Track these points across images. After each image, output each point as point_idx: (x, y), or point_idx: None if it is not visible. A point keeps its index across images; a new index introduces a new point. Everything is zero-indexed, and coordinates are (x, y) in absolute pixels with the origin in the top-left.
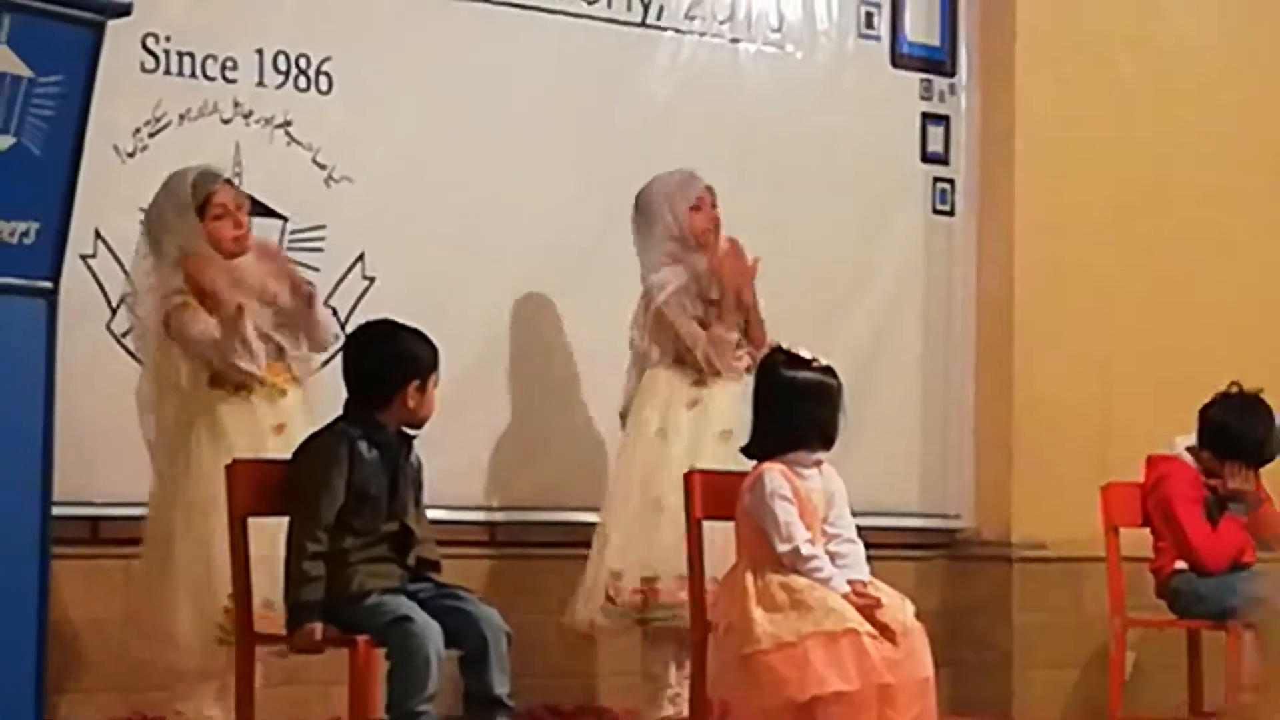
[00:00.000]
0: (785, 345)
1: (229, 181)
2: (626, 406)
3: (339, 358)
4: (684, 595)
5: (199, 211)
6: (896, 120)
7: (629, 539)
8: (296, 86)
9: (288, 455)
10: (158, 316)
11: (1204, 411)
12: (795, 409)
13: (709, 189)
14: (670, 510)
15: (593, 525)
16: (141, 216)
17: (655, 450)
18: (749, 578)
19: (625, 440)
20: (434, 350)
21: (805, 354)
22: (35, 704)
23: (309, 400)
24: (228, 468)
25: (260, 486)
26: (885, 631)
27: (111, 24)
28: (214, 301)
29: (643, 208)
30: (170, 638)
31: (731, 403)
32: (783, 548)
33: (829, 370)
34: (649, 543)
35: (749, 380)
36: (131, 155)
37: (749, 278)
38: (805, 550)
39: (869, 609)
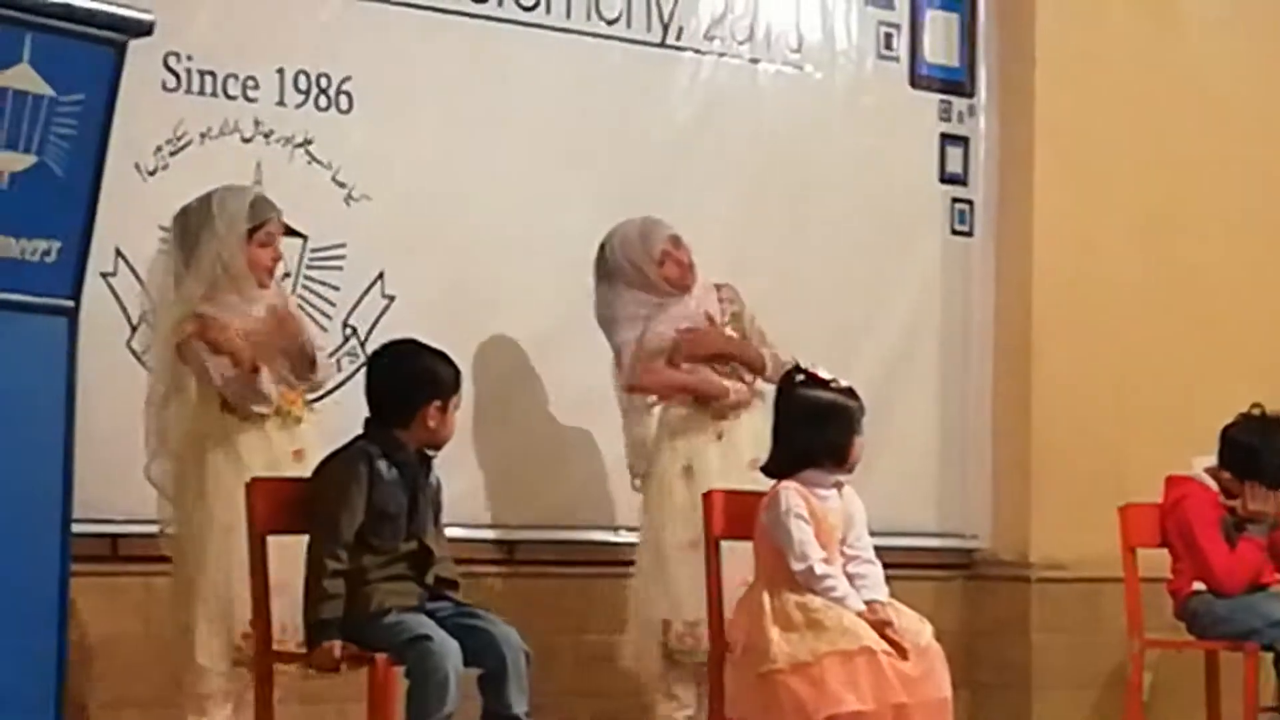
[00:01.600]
0: (806, 365)
1: (279, 213)
2: (637, 460)
3: (358, 379)
4: None
5: (249, 233)
6: (915, 141)
7: (672, 586)
8: (317, 106)
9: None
10: (172, 340)
11: (1226, 432)
12: (809, 429)
13: (671, 237)
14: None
15: (609, 545)
16: (170, 226)
17: (683, 490)
18: (766, 597)
19: (650, 484)
20: (456, 372)
21: (825, 374)
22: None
23: (324, 425)
24: (247, 486)
25: (280, 505)
26: (899, 649)
27: (133, 43)
28: (233, 357)
29: (604, 273)
30: (190, 661)
31: (755, 430)
32: (797, 566)
33: (848, 391)
34: (692, 586)
35: (766, 403)
36: (153, 174)
37: (716, 340)
38: (819, 569)
39: (883, 626)
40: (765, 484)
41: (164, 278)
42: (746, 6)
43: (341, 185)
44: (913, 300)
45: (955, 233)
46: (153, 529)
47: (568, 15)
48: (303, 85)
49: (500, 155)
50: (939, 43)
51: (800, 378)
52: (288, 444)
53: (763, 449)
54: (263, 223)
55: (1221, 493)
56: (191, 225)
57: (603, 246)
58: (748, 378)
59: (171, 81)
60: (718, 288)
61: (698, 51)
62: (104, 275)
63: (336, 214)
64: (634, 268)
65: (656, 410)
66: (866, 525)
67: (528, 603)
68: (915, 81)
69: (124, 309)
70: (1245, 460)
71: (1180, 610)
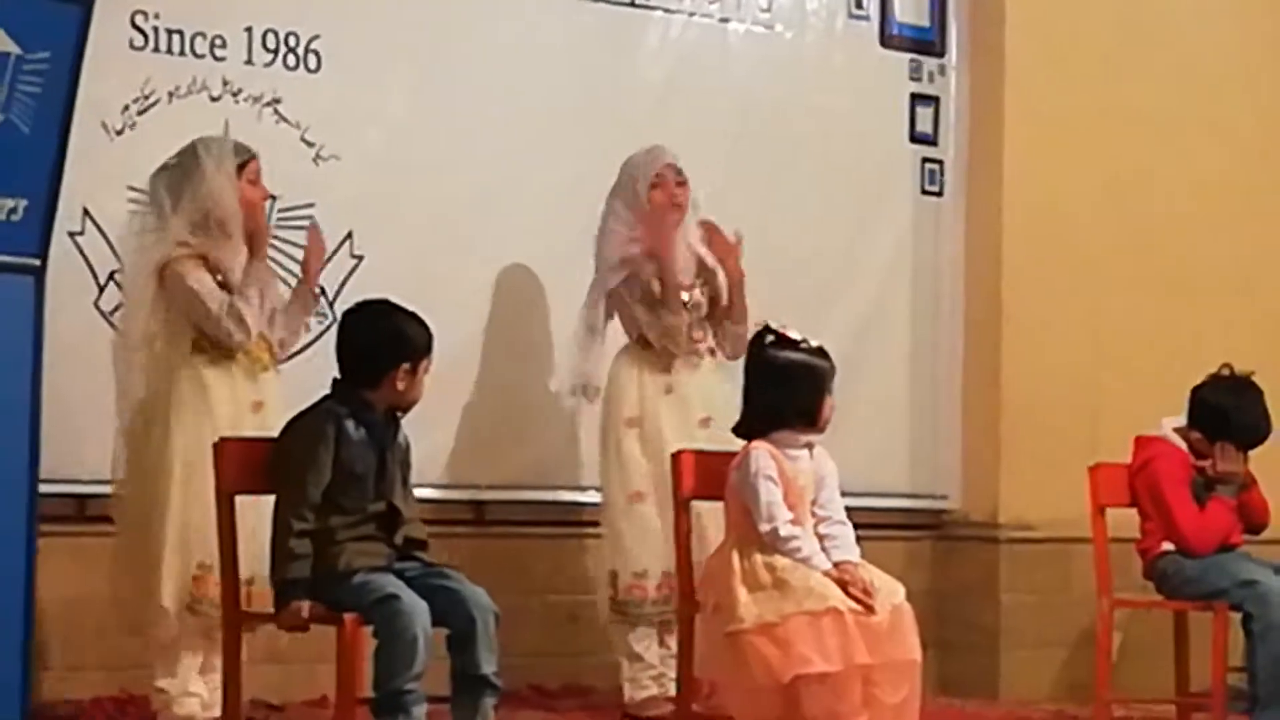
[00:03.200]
0: (776, 325)
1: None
2: (583, 382)
3: (327, 338)
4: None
5: (238, 170)
6: (886, 100)
7: (618, 536)
8: (285, 64)
9: (265, 434)
10: (153, 266)
11: (1196, 392)
12: (779, 390)
13: (671, 166)
14: (651, 502)
15: (579, 505)
16: (151, 180)
17: (630, 441)
18: (735, 557)
19: (602, 430)
20: (428, 334)
21: (795, 335)
22: (21, 682)
23: (289, 382)
24: (215, 446)
25: (247, 464)
26: (866, 606)
27: (100, 1)
28: (255, 242)
29: (616, 185)
30: (151, 607)
31: (706, 388)
32: (764, 527)
33: (819, 351)
34: (638, 538)
35: (718, 362)
36: (120, 133)
37: (735, 253)
38: (784, 531)
39: (848, 585)
40: (715, 442)
41: (140, 229)
42: None
43: (310, 145)
44: (883, 260)
45: (925, 193)
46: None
47: None
48: (271, 44)
49: (469, 115)
50: (909, 2)
51: (770, 338)
52: (251, 393)
53: (713, 408)
54: (247, 161)
55: (1191, 453)
56: (177, 174)
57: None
58: (698, 334)
59: (139, 40)
60: (711, 232)
61: (667, 11)
62: (71, 234)
63: (305, 173)
64: (630, 181)
65: (610, 353)
66: (838, 486)
67: (497, 563)
68: (885, 41)
69: (91, 268)
70: (1216, 421)
71: (1149, 570)
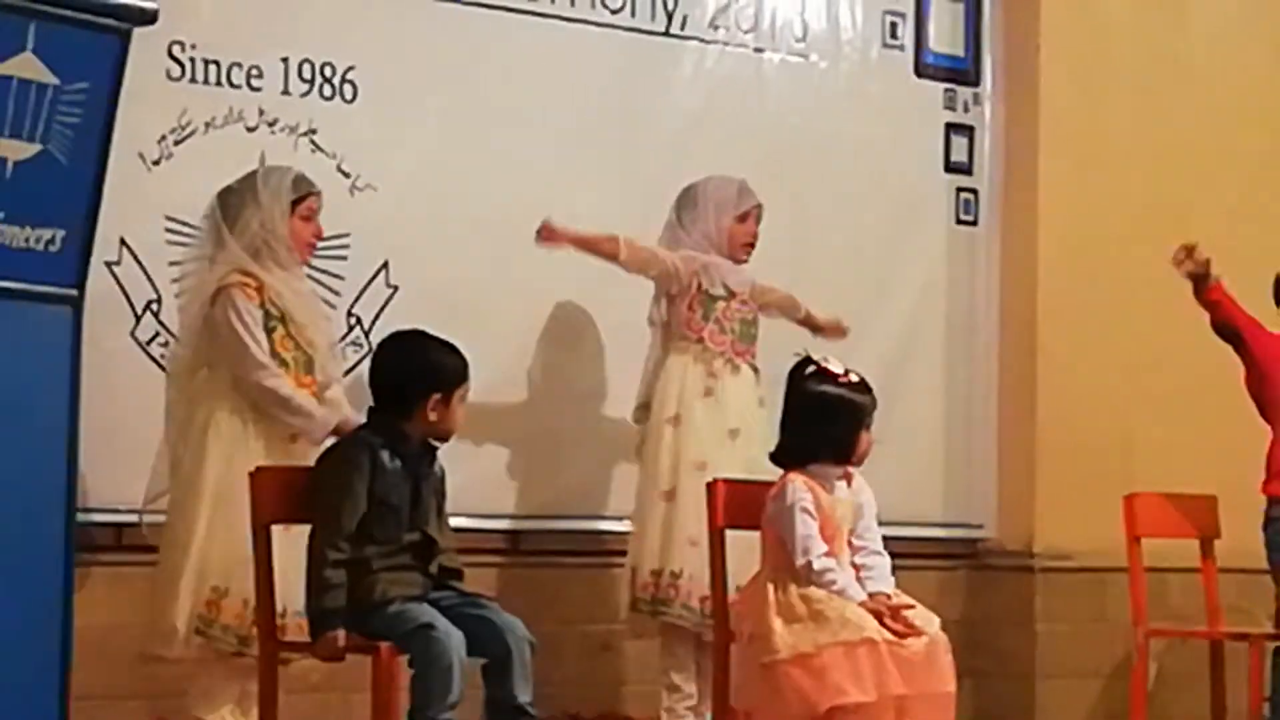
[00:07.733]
0: (817, 357)
1: (319, 192)
2: (647, 395)
3: (362, 369)
4: (701, 599)
5: (292, 206)
6: (920, 130)
7: (643, 532)
8: (321, 95)
9: (306, 463)
10: (207, 292)
11: None
12: (816, 423)
13: (759, 206)
14: (680, 503)
15: (615, 534)
16: (211, 203)
17: (667, 439)
18: (770, 588)
19: (646, 428)
20: (463, 364)
21: (836, 367)
22: (59, 710)
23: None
24: (251, 475)
25: (282, 494)
26: (902, 633)
27: (137, 32)
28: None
29: (689, 203)
30: (159, 627)
31: (741, 398)
32: (798, 560)
33: (859, 386)
34: (661, 536)
35: (758, 378)
36: (157, 163)
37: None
38: (818, 564)
39: (882, 614)
40: (739, 456)
41: (200, 252)
42: None
43: (346, 175)
44: (917, 290)
45: (960, 222)
46: (157, 519)
47: (571, 4)
48: (307, 74)
49: (504, 145)
50: (944, 31)
51: (810, 369)
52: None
53: (744, 421)
54: (304, 196)
55: None
56: (235, 199)
57: (692, 186)
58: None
59: (176, 70)
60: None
61: (702, 41)
62: (108, 264)
63: (341, 204)
64: (716, 210)
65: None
66: (875, 516)
67: (532, 592)
68: (920, 70)
69: (128, 298)
70: None
71: (1269, 510)
